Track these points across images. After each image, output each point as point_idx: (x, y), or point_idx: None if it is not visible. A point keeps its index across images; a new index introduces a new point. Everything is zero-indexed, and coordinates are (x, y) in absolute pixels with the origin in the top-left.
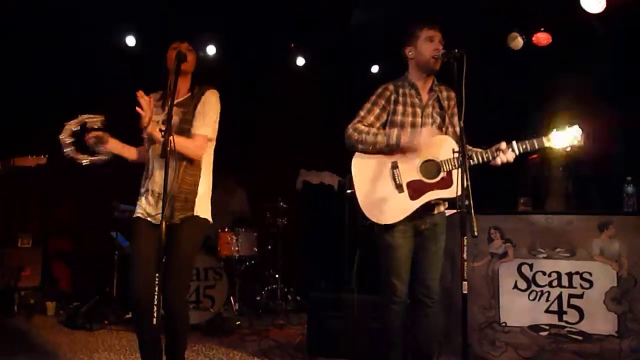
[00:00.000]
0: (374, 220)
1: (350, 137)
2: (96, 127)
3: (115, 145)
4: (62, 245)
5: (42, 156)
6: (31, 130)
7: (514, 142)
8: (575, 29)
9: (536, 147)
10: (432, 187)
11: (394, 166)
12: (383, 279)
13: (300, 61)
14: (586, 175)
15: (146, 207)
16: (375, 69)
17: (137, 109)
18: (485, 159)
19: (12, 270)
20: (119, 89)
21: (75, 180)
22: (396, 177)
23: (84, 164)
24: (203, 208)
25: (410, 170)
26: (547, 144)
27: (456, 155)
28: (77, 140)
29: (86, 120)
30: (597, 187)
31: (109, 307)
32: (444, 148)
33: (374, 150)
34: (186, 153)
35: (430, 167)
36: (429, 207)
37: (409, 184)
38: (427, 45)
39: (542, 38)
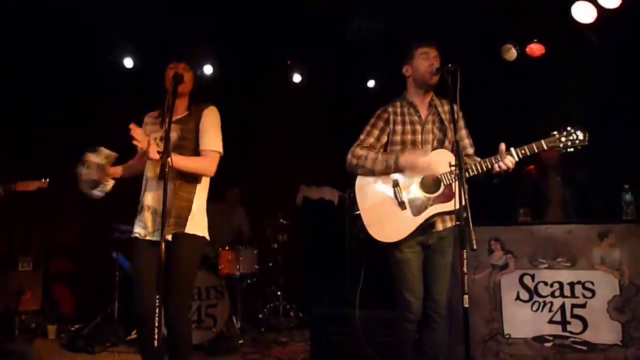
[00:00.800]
0: (380, 239)
1: (350, 163)
2: (111, 156)
3: (113, 172)
4: (63, 267)
5: (43, 180)
6: (30, 145)
7: (511, 148)
8: (569, 39)
9: (535, 150)
10: (433, 201)
11: (395, 184)
12: (397, 295)
13: (297, 78)
14: (584, 181)
15: (141, 225)
16: (371, 83)
17: (134, 142)
18: (484, 168)
19: (12, 294)
20: (115, 104)
21: (76, 201)
22: (397, 195)
23: (95, 197)
24: (198, 225)
25: (411, 187)
26: (546, 146)
27: (453, 168)
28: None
29: (105, 154)
30: (595, 194)
31: (111, 328)
32: (443, 162)
33: (374, 175)
34: (201, 171)
35: (431, 181)
36: (430, 223)
37: (410, 201)
38: (422, 62)
39: (536, 49)
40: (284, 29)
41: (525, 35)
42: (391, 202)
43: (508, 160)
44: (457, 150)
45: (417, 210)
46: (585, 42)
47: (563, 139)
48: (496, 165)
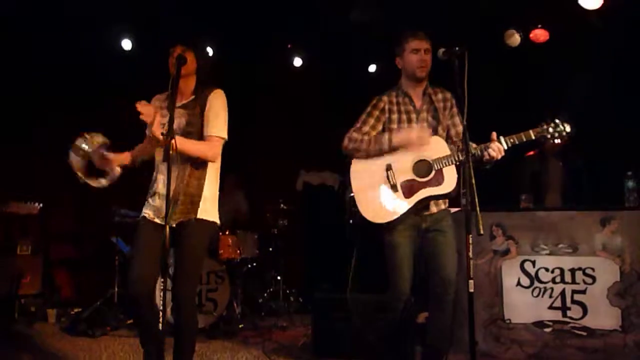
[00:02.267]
0: (372, 220)
1: (347, 147)
2: (99, 143)
3: (117, 159)
4: (63, 252)
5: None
6: (29, 128)
7: (501, 137)
8: (574, 25)
9: (524, 139)
10: (424, 185)
11: (388, 168)
12: (388, 277)
13: (298, 61)
14: (580, 168)
15: (153, 208)
16: (372, 68)
17: (141, 117)
18: (475, 155)
19: (12, 277)
20: (118, 91)
21: (74, 186)
22: (390, 178)
23: (96, 187)
24: (209, 211)
25: (403, 170)
26: (534, 136)
27: (449, 153)
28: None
29: (87, 136)
30: (592, 180)
31: (111, 312)
32: (435, 147)
33: (369, 156)
34: (203, 156)
35: (422, 166)
36: (426, 205)
37: (402, 184)
38: (412, 57)
39: (540, 35)
40: (285, 12)
41: (529, 20)
42: (384, 185)
43: (496, 148)
44: (464, 135)
45: (409, 193)
46: (591, 28)
47: (550, 129)
48: (485, 153)
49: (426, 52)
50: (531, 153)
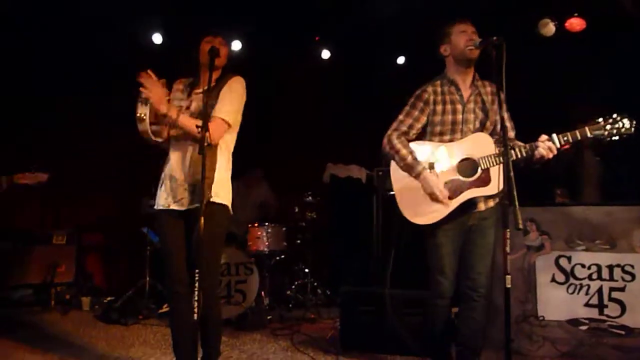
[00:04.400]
0: (413, 220)
1: (384, 148)
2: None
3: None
4: (95, 240)
5: (44, 173)
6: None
7: (553, 135)
8: (611, 13)
9: (578, 137)
10: (469, 185)
11: (431, 167)
12: (430, 275)
13: (326, 54)
14: (619, 161)
15: (166, 196)
16: (401, 60)
17: (142, 89)
18: (525, 154)
19: (48, 266)
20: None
21: (106, 176)
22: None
23: (155, 141)
24: (220, 194)
25: (447, 170)
26: (590, 134)
27: (496, 151)
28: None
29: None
30: (632, 175)
31: (142, 301)
32: (481, 145)
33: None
34: (209, 140)
35: (467, 165)
36: (472, 203)
37: (446, 184)
38: (461, 37)
39: (576, 24)
40: (313, 4)
41: (564, 8)
42: None
43: (547, 146)
44: (502, 126)
45: (453, 194)
46: (629, 16)
47: (608, 127)
48: (536, 152)
49: (474, 34)
50: (567, 146)
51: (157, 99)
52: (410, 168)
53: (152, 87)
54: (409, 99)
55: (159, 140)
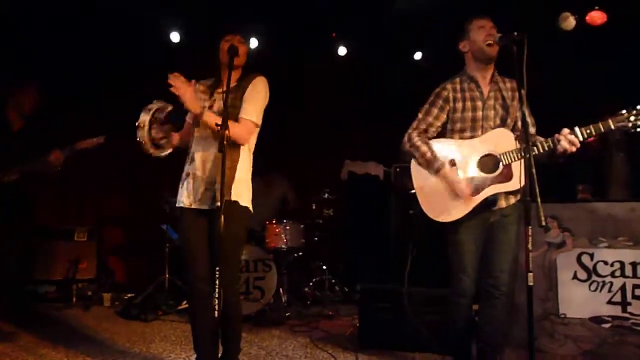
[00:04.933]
0: (435, 219)
1: (404, 146)
2: (164, 115)
3: (174, 140)
4: (115, 237)
5: (101, 137)
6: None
7: (576, 128)
8: (634, 5)
9: (602, 130)
10: (492, 182)
11: (452, 164)
12: (452, 273)
13: (343, 51)
14: None
15: (188, 195)
16: (418, 56)
17: (172, 90)
18: (547, 148)
19: (70, 263)
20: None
21: (126, 174)
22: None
23: (149, 153)
24: (242, 195)
25: (468, 167)
26: (614, 126)
27: (517, 147)
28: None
29: (158, 108)
30: None
31: (162, 298)
32: (502, 141)
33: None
34: (233, 138)
35: (489, 161)
36: (493, 201)
37: (468, 180)
38: (480, 33)
39: (597, 17)
40: (329, 1)
41: (585, 2)
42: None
43: (570, 140)
44: (524, 122)
45: (475, 190)
46: None
47: (632, 118)
48: (559, 146)
49: (493, 30)
50: (591, 140)
51: (190, 99)
52: (430, 164)
53: (183, 87)
54: (429, 98)
55: (159, 154)
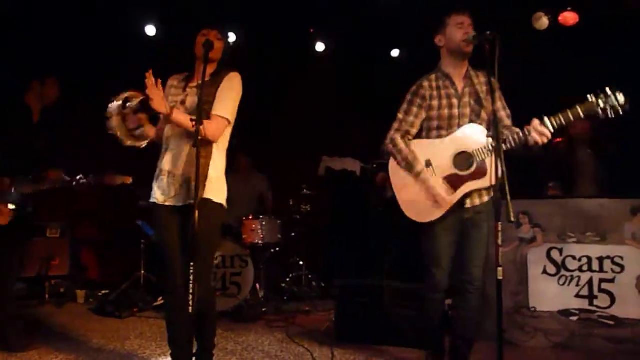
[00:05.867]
0: (415, 219)
1: (386, 147)
2: (135, 105)
3: (150, 129)
4: (89, 233)
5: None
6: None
7: (545, 118)
8: (604, 6)
9: (571, 118)
10: (467, 179)
11: (428, 164)
12: (424, 268)
13: (320, 46)
14: (614, 155)
15: (160, 191)
16: (395, 52)
17: (147, 91)
18: (518, 140)
19: (42, 260)
20: (138, 72)
21: (101, 168)
22: (431, 175)
23: (127, 144)
24: (215, 192)
25: (443, 166)
26: (583, 113)
27: (490, 141)
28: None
29: (128, 96)
30: (626, 168)
31: (138, 294)
32: (474, 137)
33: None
34: (203, 134)
35: (463, 158)
36: (469, 196)
37: (444, 180)
38: (457, 30)
39: (569, 17)
40: None
41: (557, 2)
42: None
43: (542, 130)
44: (494, 121)
45: (452, 189)
46: (622, 9)
47: (601, 102)
48: (530, 138)
49: (470, 27)
50: (558, 140)
51: (157, 101)
52: (411, 168)
53: (152, 90)
54: (406, 96)
55: (136, 144)
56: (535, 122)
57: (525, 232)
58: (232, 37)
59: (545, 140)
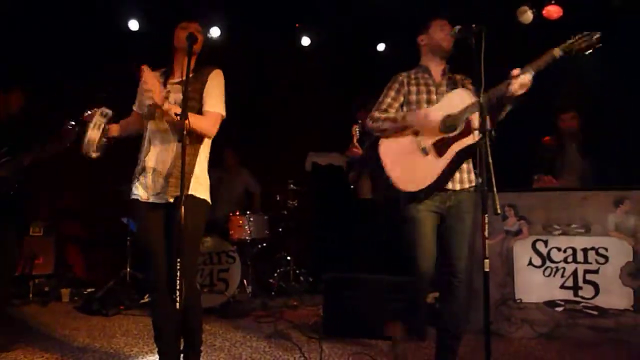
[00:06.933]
0: (405, 189)
1: (371, 126)
2: (110, 116)
3: (114, 131)
4: (74, 231)
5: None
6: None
7: (526, 65)
8: (589, 0)
9: (550, 60)
10: (454, 139)
11: (415, 133)
12: (408, 255)
13: (306, 41)
14: (601, 151)
15: (142, 187)
16: (381, 47)
17: (144, 85)
18: (501, 93)
19: (25, 258)
20: (121, 67)
21: (82, 165)
22: (419, 143)
23: (94, 157)
24: (200, 188)
25: (431, 132)
26: (561, 52)
27: (474, 100)
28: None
29: (109, 113)
30: (613, 163)
31: (124, 292)
32: (460, 100)
33: (391, 134)
34: (200, 130)
35: (450, 121)
36: (452, 174)
37: (433, 145)
38: (440, 30)
39: (553, 11)
40: None
41: None
42: (414, 152)
43: (521, 81)
44: (482, 114)
45: (440, 152)
46: (606, 3)
47: (577, 41)
48: (511, 88)
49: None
50: (547, 138)
51: (158, 93)
52: (394, 120)
53: (151, 81)
54: (386, 84)
55: (94, 156)
56: (515, 71)
57: (511, 224)
58: (216, 32)
59: (526, 90)
